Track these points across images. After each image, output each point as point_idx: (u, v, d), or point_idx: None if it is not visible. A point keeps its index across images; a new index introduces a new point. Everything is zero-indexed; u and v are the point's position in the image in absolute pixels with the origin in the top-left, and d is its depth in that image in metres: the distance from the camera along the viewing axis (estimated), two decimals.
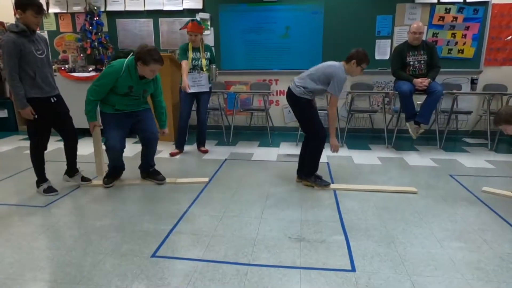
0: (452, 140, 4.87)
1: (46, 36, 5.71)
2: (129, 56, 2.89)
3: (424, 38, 4.48)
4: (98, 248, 2.14)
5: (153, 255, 2.05)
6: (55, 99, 2.92)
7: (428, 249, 2.09)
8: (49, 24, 5.70)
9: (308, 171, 3.13)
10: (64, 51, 5.75)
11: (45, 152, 3.01)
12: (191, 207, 2.73)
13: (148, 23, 5.44)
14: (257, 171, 3.61)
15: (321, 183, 3.06)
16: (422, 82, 4.10)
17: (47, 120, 2.89)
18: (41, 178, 3.04)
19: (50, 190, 3.02)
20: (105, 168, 3.28)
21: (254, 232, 2.32)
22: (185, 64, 3.97)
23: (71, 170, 3.17)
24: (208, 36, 5.30)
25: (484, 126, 5.03)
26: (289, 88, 3.06)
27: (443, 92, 4.15)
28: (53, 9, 5.60)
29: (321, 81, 2.93)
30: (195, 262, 1.98)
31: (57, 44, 5.76)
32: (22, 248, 2.14)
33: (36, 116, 2.80)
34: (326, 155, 4.17)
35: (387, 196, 2.92)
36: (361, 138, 5.07)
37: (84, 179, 3.22)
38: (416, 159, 4.00)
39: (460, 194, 2.96)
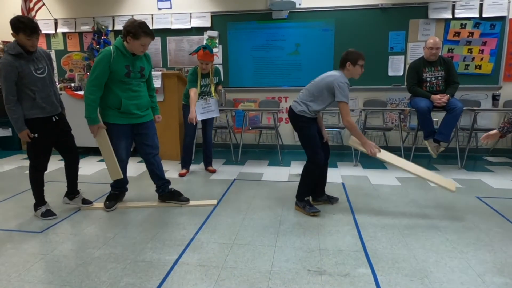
0: (472, 159, 4.62)
1: (54, 56, 5.68)
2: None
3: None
4: (95, 281, 1.91)
5: None
6: (57, 118, 2.77)
7: (468, 286, 1.84)
8: (57, 43, 5.66)
9: (298, 193, 2.90)
10: (71, 70, 5.69)
11: (46, 172, 2.84)
12: (198, 233, 2.51)
13: (156, 41, 5.36)
14: (268, 192, 3.39)
15: (310, 210, 2.79)
16: (441, 98, 3.91)
17: (47, 139, 2.73)
18: (40, 200, 2.86)
19: (48, 213, 2.82)
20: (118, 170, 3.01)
21: (268, 263, 2.09)
22: (194, 94, 3.76)
23: (72, 191, 2.99)
24: (217, 54, 5.20)
25: (506, 144, 4.80)
26: (290, 106, 2.87)
27: (464, 108, 3.94)
28: (61, 29, 5.58)
29: (323, 93, 2.71)
30: None
31: (64, 63, 5.71)
32: (11, 281, 1.92)
33: (36, 136, 2.65)
34: (340, 175, 3.95)
35: (411, 222, 2.67)
36: (375, 159, 4.82)
37: (85, 201, 3.03)
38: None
39: (493, 219, 2.71)
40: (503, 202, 3.07)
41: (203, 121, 4.05)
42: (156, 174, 3.05)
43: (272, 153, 5.08)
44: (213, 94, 3.91)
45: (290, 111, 2.85)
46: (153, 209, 3.00)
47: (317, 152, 2.78)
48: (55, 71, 5.69)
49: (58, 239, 2.44)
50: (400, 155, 4.59)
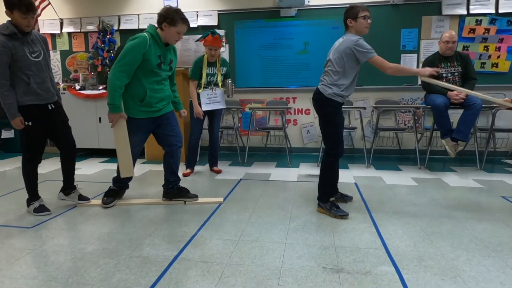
0: (491, 162, 4.37)
1: (59, 56, 5.60)
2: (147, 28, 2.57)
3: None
4: (83, 277, 1.71)
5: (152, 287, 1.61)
6: (53, 106, 2.60)
7: (510, 286, 1.60)
8: (62, 43, 5.58)
9: (320, 194, 2.62)
10: (76, 71, 5.59)
11: (44, 172, 2.67)
12: (200, 229, 2.30)
13: None
14: (276, 191, 3.17)
15: (337, 213, 2.49)
16: (458, 94, 3.69)
17: (42, 129, 2.55)
18: (33, 195, 2.68)
19: (41, 209, 2.64)
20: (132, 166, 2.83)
21: (278, 260, 1.87)
22: (194, 87, 3.67)
23: (68, 187, 2.80)
24: (223, 54, 5.06)
25: None
26: (317, 89, 2.60)
27: (483, 105, 3.72)
28: (66, 29, 5.50)
29: (347, 64, 2.45)
30: None
31: (69, 64, 5.61)
32: None
33: (30, 124, 2.48)
34: (352, 175, 3.73)
35: (434, 220, 2.43)
36: (388, 159, 4.60)
37: (81, 197, 2.84)
38: (457, 180, 3.51)
39: None
40: None
41: (210, 118, 3.89)
42: (172, 169, 2.85)
43: (279, 156, 4.88)
44: (219, 84, 3.74)
45: (318, 94, 2.56)
46: (153, 207, 2.80)
47: (339, 143, 2.55)
48: (59, 71, 5.61)
49: (49, 234, 2.25)
50: (413, 159, 4.40)
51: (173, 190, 2.88)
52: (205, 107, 3.68)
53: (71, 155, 2.75)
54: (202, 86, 3.68)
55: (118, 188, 2.89)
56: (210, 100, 3.71)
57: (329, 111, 2.53)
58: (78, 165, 4.41)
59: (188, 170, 3.92)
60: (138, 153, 2.77)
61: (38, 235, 2.23)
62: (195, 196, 2.89)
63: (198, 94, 3.69)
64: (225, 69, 3.80)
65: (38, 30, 5.36)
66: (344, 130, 4.81)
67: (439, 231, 2.24)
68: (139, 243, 2.10)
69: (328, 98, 2.49)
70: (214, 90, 3.72)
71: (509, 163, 4.36)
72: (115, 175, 2.82)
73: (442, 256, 1.89)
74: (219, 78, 3.74)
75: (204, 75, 3.66)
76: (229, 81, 3.78)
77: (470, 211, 2.60)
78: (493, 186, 3.27)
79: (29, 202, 2.68)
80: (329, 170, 2.61)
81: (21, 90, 2.42)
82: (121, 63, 2.43)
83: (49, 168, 4.17)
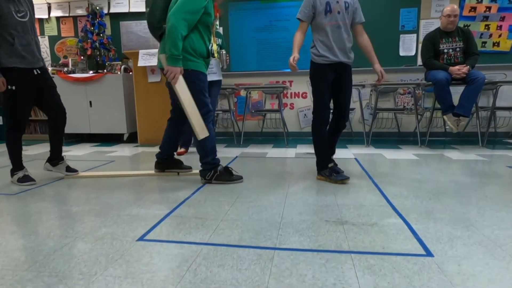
0: (492, 142, 4.28)
1: (47, 42, 5.45)
2: None
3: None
4: (67, 232, 1.57)
5: (140, 239, 1.47)
6: (39, 72, 2.46)
7: None
8: (50, 29, 5.44)
9: (317, 162, 2.51)
10: (65, 57, 5.44)
11: (34, 153, 2.52)
12: (195, 193, 2.17)
13: None
14: (274, 165, 3.05)
15: (337, 178, 2.36)
16: (460, 69, 3.60)
17: (27, 94, 2.40)
18: (17, 165, 2.53)
19: (26, 179, 2.49)
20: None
21: (277, 215, 1.74)
22: None
23: (55, 156, 2.65)
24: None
25: None
26: None
27: (485, 79, 3.62)
28: (55, 13, 5.36)
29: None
30: (198, 245, 1.40)
31: (58, 50, 5.47)
32: None
33: (13, 89, 2.34)
34: (352, 153, 3.61)
35: (440, 185, 2.31)
36: (388, 141, 4.50)
37: (69, 169, 2.69)
38: (459, 155, 3.41)
39: None
40: None
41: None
42: (176, 141, 2.67)
43: (276, 140, 4.76)
44: (215, 55, 3.62)
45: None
46: (146, 178, 2.66)
47: (321, 109, 2.39)
48: (48, 58, 5.46)
49: (32, 199, 2.10)
50: (413, 141, 4.29)
51: (166, 161, 2.74)
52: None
53: (61, 122, 2.58)
54: None
55: (216, 162, 2.48)
56: (212, 70, 3.60)
57: (312, 74, 2.45)
58: (67, 148, 4.27)
59: (183, 149, 3.79)
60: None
61: (21, 200, 2.09)
62: (189, 168, 2.75)
63: None
64: (220, 40, 3.69)
65: None
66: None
67: (445, 192, 2.12)
68: (129, 204, 1.96)
69: (311, 60, 2.44)
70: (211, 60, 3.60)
71: (509, 142, 4.27)
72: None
73: (451, 211, 1.77)
74: (215, 48, 3.62)
75: None
76: (223, 51, 3.66)
77: (476, 176, 2.49)
78: (496, 159, 3.17)
79: (12, 172, 2.53)
80: (315, 136, 2.47)
81: (4, 50, 2.29)
82: (185, 10, 2.13)
83: (38, 151, 4.02)
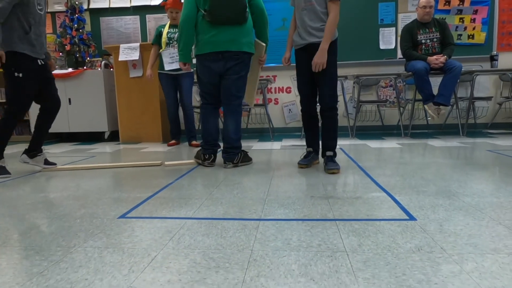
0: (472, 133, 4.39)
1: None
2: None
3: None
4: (43, 213, 1.51)
5: (122, 217, 1.43)
6: (42, 63, 2.47)
7: (507, 199, 1.52)
8: None
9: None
10: None
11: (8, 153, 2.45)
12: (178, 179, 2.13)
13: (134, 20, 5.08)
14: (259, 155, 3.04)
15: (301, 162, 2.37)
16: (438, 59, 3.69)
17: (32, 84, 2.40)
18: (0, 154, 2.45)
19: (2, 171, 2.40)
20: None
21: (262, 193, 1.73)
22: (154, 51, 3.72)
23: (35, 148, 2.55)
24: None
25: (505, 114, 4.61)
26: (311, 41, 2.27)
27: (462, 68, 3.72)
28: None
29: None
30: (181, 220, 1.37)
31: None
32: None
33: (20, 76, 2.33)
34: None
35: (423, 166, 2.34)
36: (372, 135, 4.56)
37: (48, 162, 2.61)
38: (441, 143, 3.48)
39: (507, 161, 2.42)
40: None
41: (179, 90, 3.76)
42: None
43: (261, 136, 4.75)
44: None
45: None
46: (128, 168, 2.61)
47: (301, 98, 2.40)
48: None
49: (6, 189, 2.02)
50: (398, 133, 4.36)
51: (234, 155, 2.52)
52: (168, 67, 3.62)
53: (54, 114, 2.58)
54: (164, 47, 3.59)
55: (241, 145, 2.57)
56: (172, 59, 3.62)
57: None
58: (46, 147, 4.15)
59: (173, 141, 3.84)
60: None
61: None
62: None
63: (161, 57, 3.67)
64: None
65: None
66: None
67: (428, 171, 2.15)
68: (109, 190, 1.91)
69: None
70: (176, 48, 3.61)
71: (489, 132, 4.39)
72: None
73: (434, 185, 1.80)
74: None
75: (164, 35, 3.61)
76: None
77: (458, 158, 2.55)
78: (477, 145, 3.25)
79: None
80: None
81: (18, 35, 2.31)
82: None
83: (12, 150, 3.90)
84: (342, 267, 0.94)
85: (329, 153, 2.28)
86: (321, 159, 2.41)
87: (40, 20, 2.43)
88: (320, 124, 2.38)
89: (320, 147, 2.39)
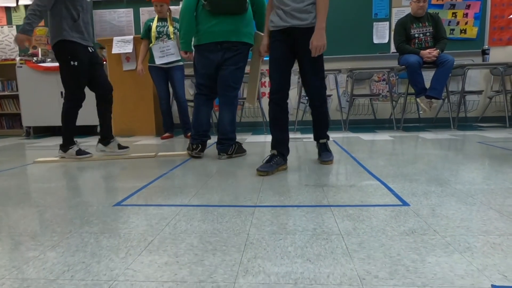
0: (463, 126, 4.45)
1: (15, 31, 5.23)
2: None
3: None
4: (37, 202, 1.51)
5: (117, 204, 1.43)
6: (91, 50, 2.54)
7: (498, 186, 1.55)
8: (18, 18, 5.22)
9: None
10: (34, 47, 5.23)
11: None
12: (173, 170, 2.13)
13: (127, 13, 5.03)
14: (254, 148, 3.04)
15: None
16: (430, 52, 3.72)
17: (86, 70, 2.48)
18: (71, 140, 2.56)
19: (82, 152, 2.56)
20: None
21: (257, 182, 1.74)
22: (144, 46, 3.71)
23: (107, 135, 2.68)
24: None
25: (495, 108, 4.68)
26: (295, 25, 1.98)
27: (454, 62, 3.76)
28: (23, 1, 5.15)
29: None
30: (177, 207, 1.37)
31: None
32: None
33: (76, 64, 2.41)
34: (330, 136, 3.65)
35: (415, 156, 2.38)
36: (364, 128, 4.59)
37: (121, 147, 2.71)
38: (433, 135, 3.52)
39: (500, 151, 2.46)
40: (505, 144, 2.85)
41: (171, 81, 3.75)
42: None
43: (255, 130, 4.76)
44: (172, 36, 3.62)
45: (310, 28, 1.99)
46: (121, 160, 2.60)
47: (272, 81, 2.02)
48: (16, 48, 5.25)
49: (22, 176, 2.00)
50: (390, 127, 4.39)
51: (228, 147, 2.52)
52: (158, 61, 3.61)
53: (110, 99, 2.65)
54: (153, 41, 3.57)
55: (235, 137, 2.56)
56: (163, 53, 3.61)
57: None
58: (37, 141, 4.12)
59: (167, 134, 3.83)
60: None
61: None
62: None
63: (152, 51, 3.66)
64: (177, 24, 3.69)
65: None
66: None
67: (420, 160, 2.18)
68: (104, 180, 1.90)
69: None
70: (166, 41, 3.60)
71: (479, 125, 4.45)
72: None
73: (426, 173, 1.82)
74: (171, 30, 3.62)
75: (153, 29, 3.60)
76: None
77: (449, 149, 2.58)
78: (468, 137, 3.30)
79: (65, 147, 2.54)
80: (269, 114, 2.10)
81: (66, 24, 2.35)
82: None
83: (4, 143, 3.85)
84: (338, 248, 0.96)
85: (322, 141, 2.22)
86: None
87: (87, 8, 2.47)
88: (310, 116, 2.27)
89: (313, 135, 2.22)
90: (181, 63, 3.72)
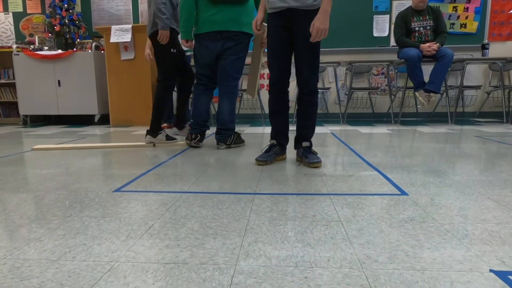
0: (461, 120, 4.47)
1: (11, 19, 5.17)
2: None
3: None
4: (36, 187, 1.50)
5: (117, 190, 1.43)
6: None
7: (495, 177, 1.56)
8: (15, 4, 5.15)
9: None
10: (31, 35, 5.17)
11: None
12: (172, 158, 2.13)
13: (126, 1, 4.98)
14: (252, 139, 3.05)
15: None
16: (430, 46, 3.72)
17: (181, 59, 2.66)
18: (159, 126, 2.62)
19: (171, 138, 2.67)
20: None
21: (256, 171, 1.74)
22: None
23: (182, 120, 2.95)
24: None
25: (493, 103, 4.70)
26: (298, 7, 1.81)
27: (454, 56, 3.76)
28: None
29: None
30: (177, 193, 1.38)
31: (23, 27, 5.19)
32: None
33: (174, 51, 2.52)
34: (328, 129, 3.66)
35: (412, 148, 2.39)
36: (362, 122, 4.60)
37: (169, 138, 2.75)
38: (431, 129, 3.54)
39: (498, 145, 2.48)
40: (502, 139, 2.87)
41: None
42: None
43: (253, 122, 4.75)
44: None
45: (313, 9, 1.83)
46: (120, 149, 2.59)
47: (271, 71, 1.94)
48: (13, 36, 5.18)
49: None
50: (388, 120, 4.41)
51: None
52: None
53: (191, 84, 2.81)
54: None
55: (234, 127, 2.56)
56: None
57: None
58: (33, 129, 4.09)
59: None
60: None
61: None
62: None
63: None
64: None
65: None
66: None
67: (418, 153, 2.20)
68: (103, 167, 1.90)
69: None
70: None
71: (477, 120, 4.47)
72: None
73: (424, 165, 1.83)
74: None
75: None
76: None
77: (447, 143, 2.60)
78: (465, 131, 3.31)
79: (155, 132, 2.60)
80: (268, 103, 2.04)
81: (168, 12, 2.43)
82: None
83: (1, 132, 3.82)
84: (338, 234, 0.97)
85: (305, 144, 1.93)
86: (292, 151, 2.08)
87: None
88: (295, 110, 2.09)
89: (295, 136, 2.02)
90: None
